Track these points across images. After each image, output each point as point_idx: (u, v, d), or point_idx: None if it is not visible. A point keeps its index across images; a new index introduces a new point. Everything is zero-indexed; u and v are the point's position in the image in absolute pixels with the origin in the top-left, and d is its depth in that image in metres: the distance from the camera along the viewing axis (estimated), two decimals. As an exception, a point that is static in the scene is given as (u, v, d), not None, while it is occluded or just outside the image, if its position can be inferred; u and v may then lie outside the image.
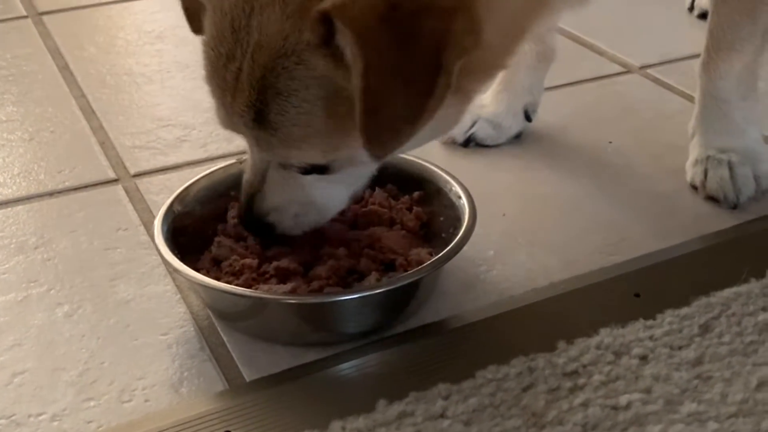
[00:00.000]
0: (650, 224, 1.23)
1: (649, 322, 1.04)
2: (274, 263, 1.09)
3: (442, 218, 1.16)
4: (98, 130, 1.51)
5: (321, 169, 1.00)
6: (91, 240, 1.24)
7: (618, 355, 0.99)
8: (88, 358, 1.04)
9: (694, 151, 1.30)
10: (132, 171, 1.39)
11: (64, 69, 1.71)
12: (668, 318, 1.04)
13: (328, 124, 0.92)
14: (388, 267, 1.10)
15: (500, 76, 1.41)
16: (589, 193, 1.30)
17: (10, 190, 1.35)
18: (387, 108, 0.87)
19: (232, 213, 1.17)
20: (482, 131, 1.39)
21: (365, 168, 1.05)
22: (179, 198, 1.15)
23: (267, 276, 1.08)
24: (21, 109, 1.58)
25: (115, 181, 1.38)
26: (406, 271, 1.08)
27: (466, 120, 1.39)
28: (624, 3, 1.83)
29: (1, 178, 1.38)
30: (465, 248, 1.17)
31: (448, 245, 1.08)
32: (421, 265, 1.07)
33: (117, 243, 1.23)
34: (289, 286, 1.06)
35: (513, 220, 1.25)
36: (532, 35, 1.06)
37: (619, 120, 1.48)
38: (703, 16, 1.70)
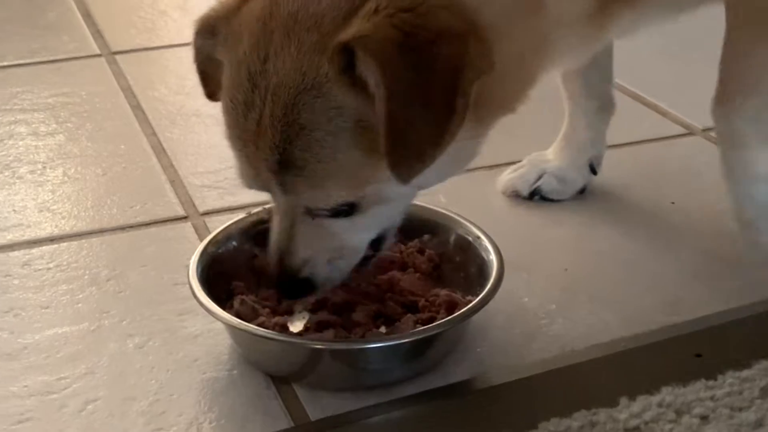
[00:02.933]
0: (710, 286, 1.24)
1: (711, 383, 1.05)
2: (314, 318, 1.10)
3: (458, 258, 1.19)
4: (168, 167, 1.55)
5: (350, 210, 0.99)
6: (161, 274, 1.27)
7: (679, 413, 1.00)
8: (158, 389, 1.07)
9: (732, 203, 1.20)
10: (201, 209, 1.43)
11: (136, 108, 1.76)
12: (729, 379, 1.05)
13: (353, 156, 0.94)
14: (410, 309, 1.12)
15: (562, 132, 1.44)
16: (650, 251, 1.32)
17: (83, 223, 1.39)
18: (410, 131, 0.90)
19: (260, 263, 1.17)
20: (548, 185, 1.42)
21: (394, 206, 1.04)
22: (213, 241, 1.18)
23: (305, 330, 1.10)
24: (95, 145, 1.62)
25: (184, 218, 1.41)
26: (430, 312, 1.10)
27: (532, 174, 1.42)
28: (686, 63, 1.85)
29: (76, 210, 1.43)
30: (526, 300, 1.20)
31: (470, 285, 1.12)
32: (447, 305, 1.10)
33: (185, 278, 1.25)
34: (331, 332, 1.08)
35: (574, 275, 1.27)
36: (545, 70, 1.07)
37: (680, 181, 1.49)
38: None
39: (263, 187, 1.00)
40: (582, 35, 1.10)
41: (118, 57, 1.98)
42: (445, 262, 1.20)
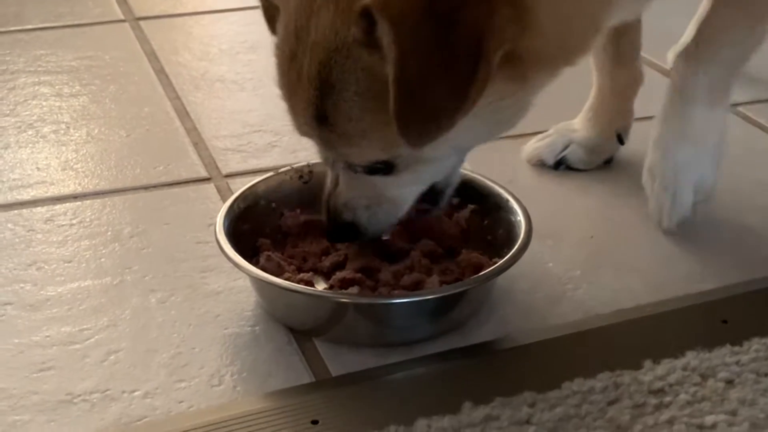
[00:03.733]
0: (736, 256, 1.23)
1: (736, 348, 1.04)
2: (339, 275, 1.10)
3: (486, 221, 1.19)
4: (192, 131, 1.55)
5: (386, 168, 1.01)
6: (184, 233, 1.27)
7: (704, 377, 1.00)
8: (180, 342, 1.07)
9: (649, 156, 1.27)
10: (224, 171, 1.42)
11: (160, 72, 1.75)
12: (755, 345, 1.04)
13: (380, 118, 0.93)
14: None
15: (589, 102, 1.42)
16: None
17: (106, 182, 1.39)
18: (425, 96, 0.88)
19: (287, 223, 1.19)
20: (574, 155, 1.40)
21: (435, 167, 1.05)
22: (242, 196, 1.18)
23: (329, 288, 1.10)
24: (118, 107, 1.62)
25: (207, 179, 1.41)
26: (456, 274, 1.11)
27: (558, 143, 1.41)
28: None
29: (99, 169, 1.42)
30: (551, 265, 1.20)
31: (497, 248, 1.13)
32: (474, 266, 1.11)
33: (208, 237, 1.25)
34: (356, 289, 1.08)
35: (599, 242, 1.26)
36: (600, 30, 1.04)
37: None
38: None
39: (308, 135, 1.01)
40: None
41: (142, 23, 1.98)
42: (473, 225, 1.19)
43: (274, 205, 1.20)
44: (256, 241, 1.16)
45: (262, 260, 1.11)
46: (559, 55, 1.00)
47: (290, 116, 1.01)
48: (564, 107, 1.49)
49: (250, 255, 1.12)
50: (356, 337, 1.06)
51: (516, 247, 1.09)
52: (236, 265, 1.06)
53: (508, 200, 1.17)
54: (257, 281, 1.08)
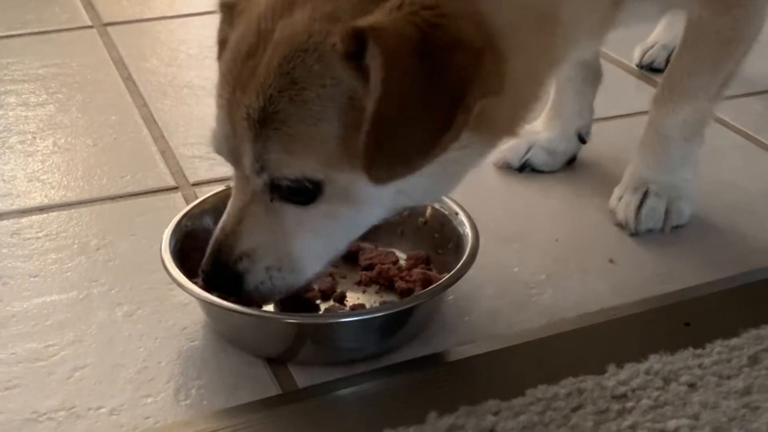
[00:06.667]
0: (701, 257, 1.25)
1: (699, 351, 1.05)
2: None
3: (436, 235, 1.18)
4: (159, 139, 1.54)
5: (313, 193, 0.94)
6: (151, 244, 1.26)
7: (667, 381, 1.01)
8: (146, 356, 1.07)
9: (624, 177, 1.33)
10: (191, 180, 1.42)
11: (127, 79, 1.75)
12: (717, 348, 1.05)
13: (336, 129, 0.91)
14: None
15: (549, 103, 1.43)
16: (640, 222, 1.32)
17: (73, 193, 1.39)
18: (400, 135, 0.88)
19: None
20: (537, 157, 1.41)
21: (359, 211, 0.98)
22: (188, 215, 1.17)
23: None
24: (85, 116, 1.62)
25: (175, 188, 1.41)
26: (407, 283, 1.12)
27: (522, 146, 1.41)
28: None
29: (65, 180, 1.42)
30: (517, 270, 1.20)
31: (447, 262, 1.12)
32: (422, 282, 1.11)
33: (175, 248, 1.25)
34: None
35: (565, 245, 1.27)
36: (547, 88, 1.07)
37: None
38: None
39: (233, 150, 0.96)
40: (587, 47, 1.14)
41: (109, 29, 1.98)
42: (424, 238, 1.19)
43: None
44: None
45: None
46: (520, 111, 1.01)
47: (220, 124, 0.97)
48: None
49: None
50: (303, 356, 1.05)
51: (462, 261, 1.08)
52: (179, 284, 1.06)
53: (457, 213, 1.16)
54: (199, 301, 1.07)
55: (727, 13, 1.20)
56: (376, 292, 1.14)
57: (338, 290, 1.13)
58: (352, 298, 1.13)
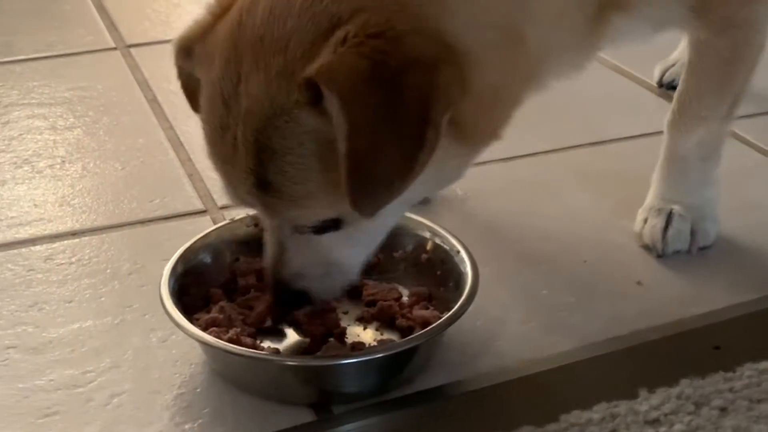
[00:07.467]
0: (727, 278, 1.25)
1: (729, 375, 1.06)
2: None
3: (438, 272, 1.19)
4: (186, 162, 1.56)
5: (335, 225, 0.99)
6: (182, 269, 1.28)
7: (698, 405, 1.01)
8: (182, 382, 1.08)
9: (647, 200, 1.34)
10: (219, 203, 1.44)
11: (152, 101, 1.77)
12: (747, 371, 1.06)
13: (327, 177, 0.92)
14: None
15: None
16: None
17: (103, 217, 1.41)
18: (376, 166, 0.88)
19: (243, 282, 1.18)
20: None
21: (382, 220, 1.02)
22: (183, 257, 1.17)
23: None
24: (112, 139, 1.63)
25: (203, 212, 1.42)
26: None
27: None
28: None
29: (95, 204, 1.44)
30: (545, 293, 1.21)
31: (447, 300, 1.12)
32: (421, 323, 1.10)
33: (206, 272, 1.27)
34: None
35: (593, 267, 1.28)
36: (531, 94, 1.05)
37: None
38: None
39: (248, 204, 1.00)
40: (569, 63, 1.12)
41: (133, 50, 1.99)
42: (425, 274, 1.19)
43: (227, 252, 1.21)
44: (208, 291, 1.16)
45: (214, 311, 1.11)
46: (491, 122, 1.00)
47: (226, 188, 0.99)
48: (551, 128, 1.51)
49: (202, 306, 1.14)
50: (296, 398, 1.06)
51: (457, 305, 1.08)
52: (176, 324, 1.06)
53: (458, 251, 1.16)
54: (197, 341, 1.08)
55: (724, 34, 1.20)
56: (377, 329, 1.14)
57: (341, 326, 1.13)
58: (352, 335, 1.13)
